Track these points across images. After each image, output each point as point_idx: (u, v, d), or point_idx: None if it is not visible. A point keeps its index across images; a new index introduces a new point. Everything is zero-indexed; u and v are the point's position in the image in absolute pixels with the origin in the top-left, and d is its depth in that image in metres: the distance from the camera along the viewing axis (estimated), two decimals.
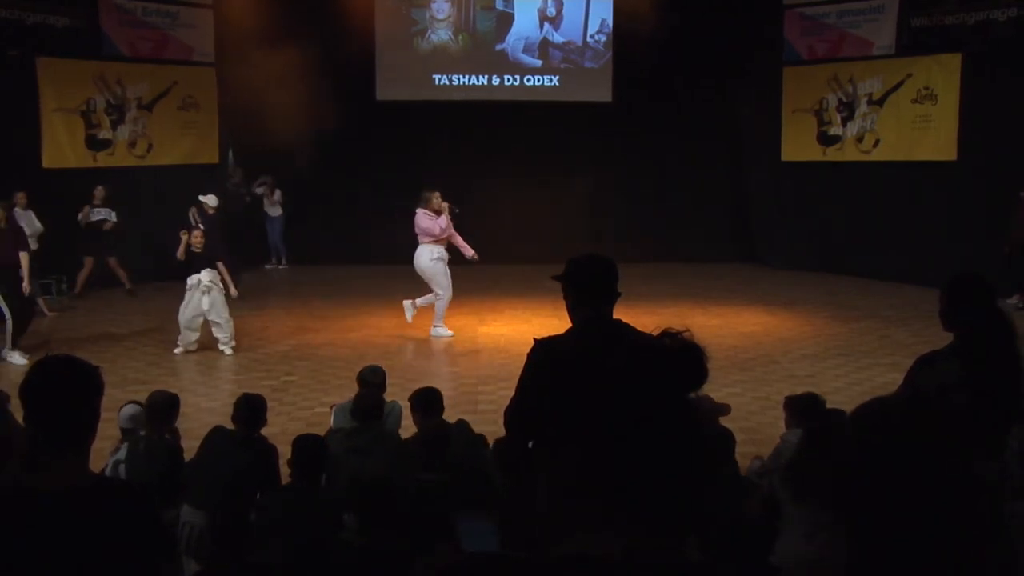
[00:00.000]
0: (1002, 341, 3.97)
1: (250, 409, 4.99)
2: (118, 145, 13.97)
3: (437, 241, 10.26)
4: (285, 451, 5.38)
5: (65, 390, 2.18)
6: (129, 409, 5.45)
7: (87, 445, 2.23)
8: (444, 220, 10.26)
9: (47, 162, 13.15)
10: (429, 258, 10.22)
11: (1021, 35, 12.35)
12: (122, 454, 5.14)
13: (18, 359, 9.23)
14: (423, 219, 10.23)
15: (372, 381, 6.03)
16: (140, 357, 9.74)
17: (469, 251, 10.54)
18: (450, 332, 10.49)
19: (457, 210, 10.40)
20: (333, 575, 4.03)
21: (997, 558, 2.18)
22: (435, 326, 10.46)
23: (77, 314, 10.62)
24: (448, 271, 10.34)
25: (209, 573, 4.42)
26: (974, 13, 12.80)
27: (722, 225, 15.93)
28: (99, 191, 12.74)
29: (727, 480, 4.50)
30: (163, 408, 5.20)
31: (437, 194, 10.29)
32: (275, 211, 15.77)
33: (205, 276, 9.61)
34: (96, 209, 12.71)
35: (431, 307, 10.48)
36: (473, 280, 14.28)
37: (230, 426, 5.09)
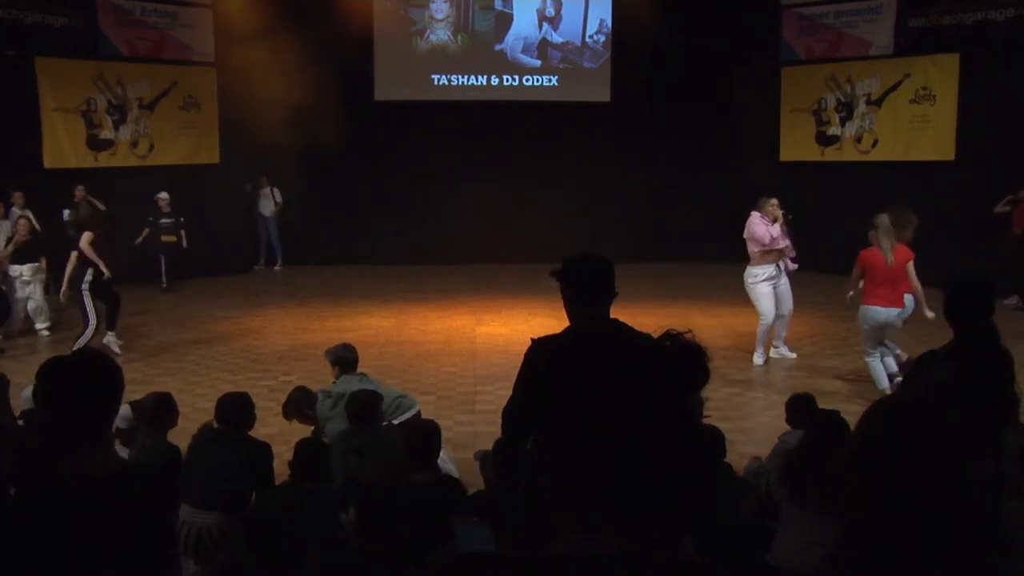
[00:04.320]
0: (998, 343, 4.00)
1: (233, 410, 4.98)
2: (120, 145, 13.98)
3: (765, 257, 9.20)
4: (283, 451, 5.39)
5: (99, 382, 2.36)
6: (123, 410, 5.45)
7: (111, 433, 2.46)
8: (776, 229, 9.16)
9: (48, 162, 13.15)
10: (751, 279, 9.27)
11: (1018, 35, 12.37)
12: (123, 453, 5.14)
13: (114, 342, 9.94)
14: (757, 224, 9.18)
15: (349, 358, 6.20)
16: (138, 357, 9.75)
17: (790, 265, 9.38)
18: (761, 361, 9.36)
19: (791, 216, 9.40)
20: (331, 573, 4.03)
21: (995, 557, 2.18)
22: (756, 351, 9.43)
23: (73, 312, 10.73)
24: (776, 292, 9.24)
25: (207, 572, 4.43)
26: (972, 13, 12.82)
27: (720, 225, 15.87)
28: (79, 190, 12.63)
29: (723, 480, 4.50)
30: (151, 410, 5.16)
31: (774, 201, 9.22)
32: (269, 210, 15.75)
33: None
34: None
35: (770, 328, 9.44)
36: (471, 280, 14.32)
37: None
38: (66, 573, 2.22)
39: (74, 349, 9.40)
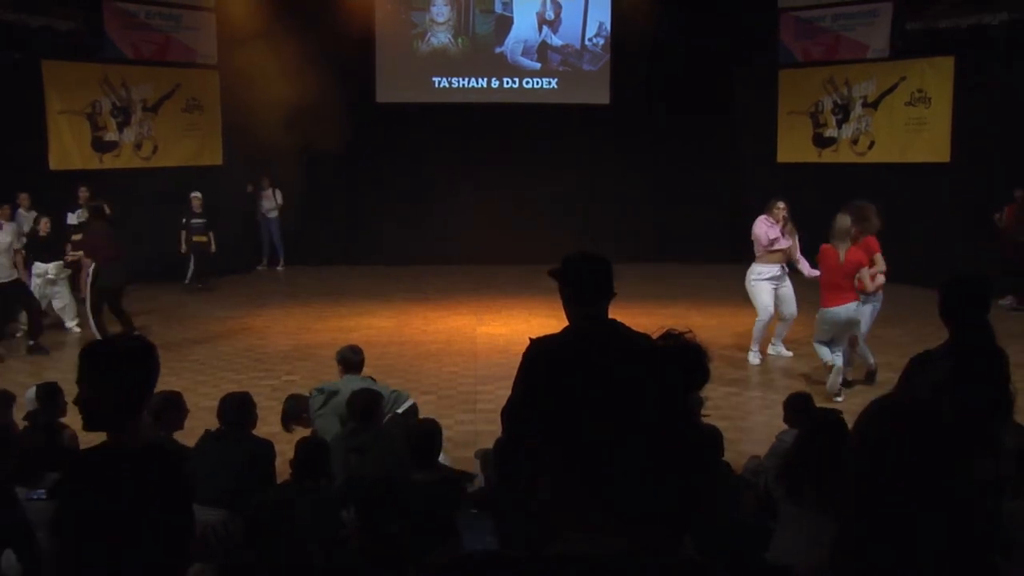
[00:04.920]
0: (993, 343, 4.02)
1: (234, 409, 5.03)
2: (124, 147, 14.01)
3: (769, 256, 9.25)
4: (285, 450, 5.43)
5: (137, 362, 2.57)
6: None
7: (145, 412, 2.70)
8: (776, 231, 9.19)
9: (54, 164, 13.18)
10: (752, 277, 9.36)
11: (1013, 38, 12.41)
12: None
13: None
14: (759, 224, 9.26)
15: (353, 359, 6.25)
16: None
17: (808, 270, 9.21)
18: (758, 360, 9.50)
19: (792, 224, 9.36)
20: (332, 572, 4.06)
21: (995, 557, 2.20)
22: (751, 349, 9.57)
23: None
24: (778, 294, 9.33)
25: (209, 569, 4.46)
26: (967, 16, 12.86)
27: (720, 225, 15.94)
28: (83, 192, 12.61)
29: (722, 479, 4.54)
30: (160, 407, 5.19)
31: (781, 204, 9.30)
32: (273, 212, 15.77)
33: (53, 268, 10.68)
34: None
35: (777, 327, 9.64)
36: (471, 280, 14.34)
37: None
38: (113, 536, 2.41)
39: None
